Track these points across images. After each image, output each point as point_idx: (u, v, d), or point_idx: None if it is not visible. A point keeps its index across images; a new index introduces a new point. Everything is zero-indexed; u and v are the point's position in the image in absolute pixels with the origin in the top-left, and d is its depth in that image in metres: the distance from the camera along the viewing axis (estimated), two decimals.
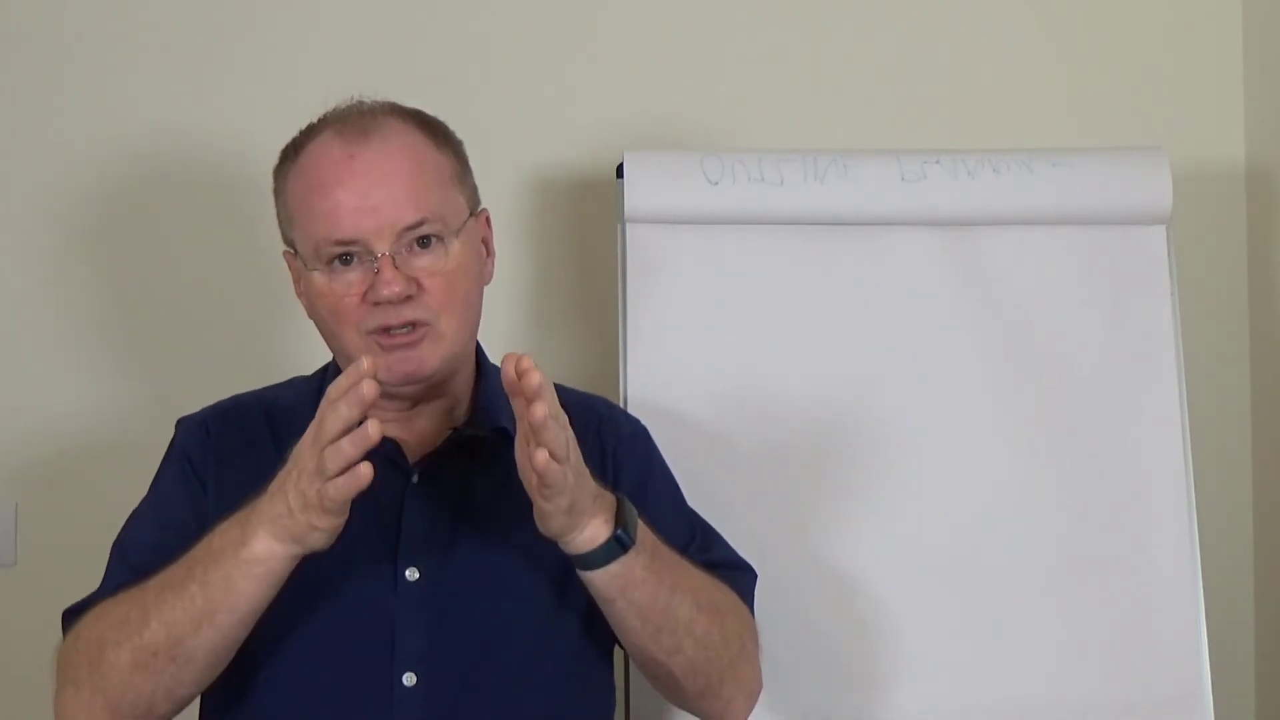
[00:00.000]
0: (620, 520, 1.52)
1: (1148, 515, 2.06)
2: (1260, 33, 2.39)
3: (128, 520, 1.68)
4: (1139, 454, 2.07)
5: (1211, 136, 2.40)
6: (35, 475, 2.27)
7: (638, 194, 2.08)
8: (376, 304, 1.58)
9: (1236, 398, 2.39)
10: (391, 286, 1.57)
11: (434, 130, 1.68)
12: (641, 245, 2.08)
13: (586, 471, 1.51)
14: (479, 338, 1.73)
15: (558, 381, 1.54)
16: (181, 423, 1.74)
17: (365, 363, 1.43)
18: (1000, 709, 2.01)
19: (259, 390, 1.78)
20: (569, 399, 1.70)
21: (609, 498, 1.54)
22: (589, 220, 2.31)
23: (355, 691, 1.57)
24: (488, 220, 1.72)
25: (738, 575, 1.72)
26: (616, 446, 1.73)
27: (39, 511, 2.26)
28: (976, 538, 2.04)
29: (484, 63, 2.34)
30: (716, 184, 2.08)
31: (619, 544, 1.52)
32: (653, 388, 2.04)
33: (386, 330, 1.59)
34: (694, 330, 2.07)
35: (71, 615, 1.62)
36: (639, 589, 1.55)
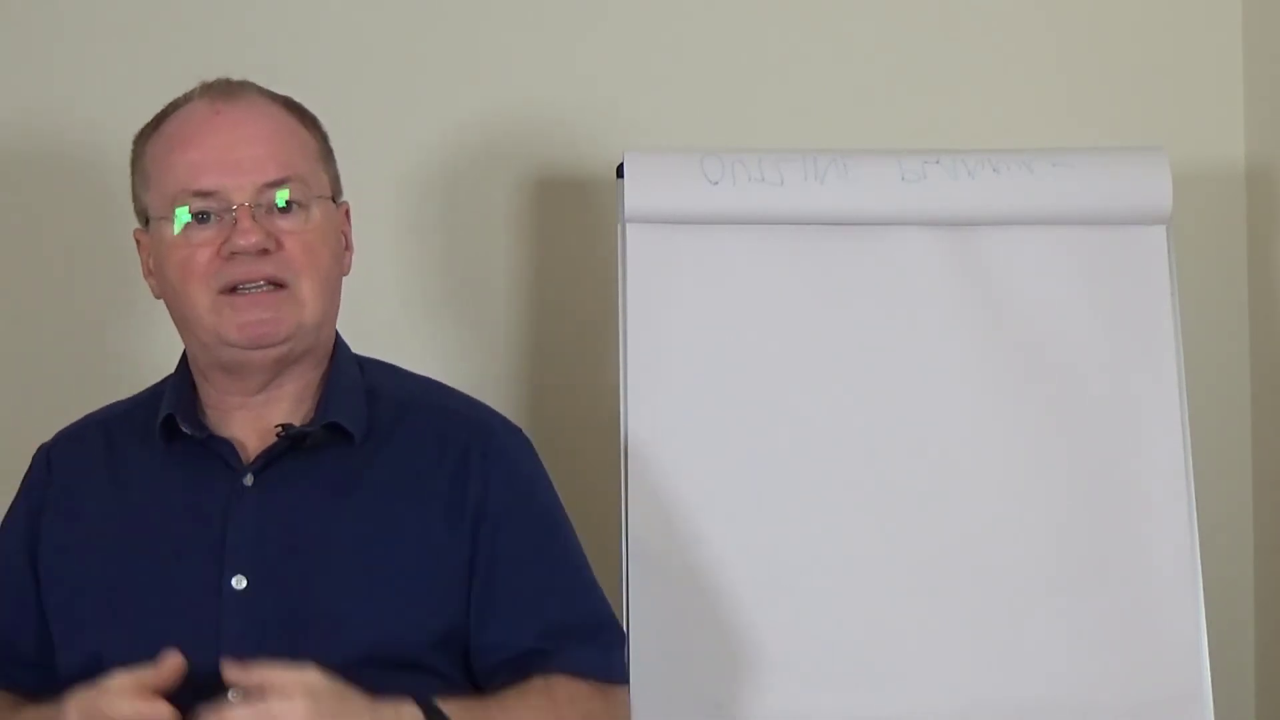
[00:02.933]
0: None
1: (1148, 515, 2.06)
2: (1260, 33, 2.39)
3: None
4: (1139, 454, 2.07)
5: (1211, 136, 2.40)
6: None
7: (638, 194, 2.07)
8: (233, 255, 1.54)
9: (1236, 398, 2.39)
10: (249, 235, 1.53)
11: (301, 111, 1.65)
12: (641, 245, 2.08)
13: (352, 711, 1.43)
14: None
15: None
16: (36, 453, 1.72)
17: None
18: (1000, 709, 2.00)
19: (111, 404, 1.75)
20: (438, 401, 1.67)
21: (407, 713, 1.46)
22: (589, 220, 2.31)
23: (177, 703, 1.47)
24: (348, 214, 1.68)
25: (596, 655, 1.63)
26: (492, 474, 1.63)
27: None
28: (976, 537, 2.04)
29: (484, 63, 2.34)
30: (716, 184, 2.08)
31: None
32: (653, 387, 2.04)
33: (239, 290, 1.55)
34: (694, 329, 2.07)
35: None
36: None
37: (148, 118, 1.66)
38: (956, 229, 2.11)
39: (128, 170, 1.65)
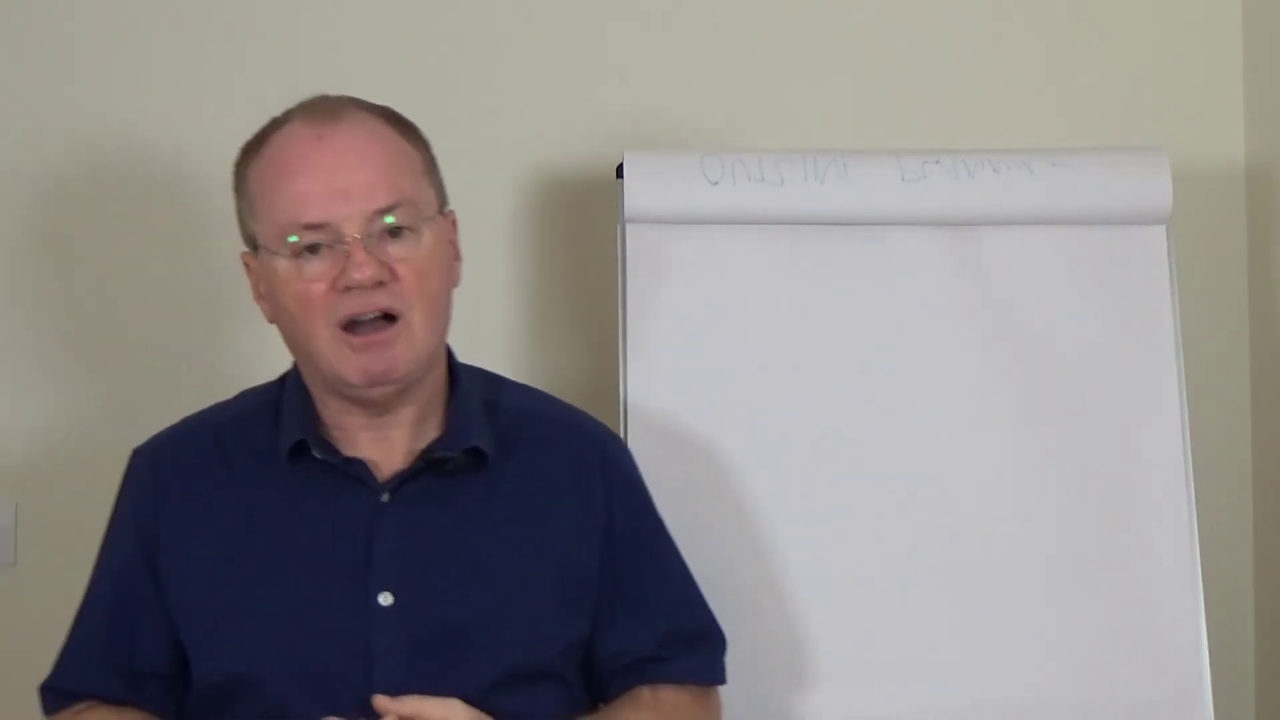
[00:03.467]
0: None
1: (1148, 515, 2.06)
2: (1260, 33, 2.39)
3: (89, 586, 1.67)
4: (1139, 454, 2.07)
5: (1211, 136, 2.40)
6: (35, 475, 2.27)
7: (638, 194, 2.08)
8: (347, 290, 1.52)
9: (1236, 398, 2.39)
10: (363, 269, 1.51)
11: (403, 124, 1.63)
12: (641, 245, 2.08)
13: None
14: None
15: (551, 388, 1.53)
16: (134, 458, 1.69)
17: None
18: (1000, 709, 2.00)
19: (205, 410, 1.72)
20: (552, 413, 1.70)
21: None
22: (589, 220, 2.31)
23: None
24: (454, 222, 1.67)
25: (704, 662, 1.71)
26: (614, 485, 1.70)
27: (39, 511, 2.26)
28: (976, 537, 2.04)
29: (484, 63, 2.34)
30: (716, 184, 2.08)
31: None
32: (653, 387, 2.04)
33: (355, 324, 1.54)
34: (694, 330, 2.07)
35: (53, 697, 1.64)
36: None
37: (226, 129, 1.64)
38: (956, 229, 2.11)
39: (212, 181, 1.63)
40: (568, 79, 2.35)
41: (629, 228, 2.09)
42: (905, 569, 2.03)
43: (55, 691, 1.64)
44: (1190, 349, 2.14)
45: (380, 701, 1.49)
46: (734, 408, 2.05)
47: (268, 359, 1.73)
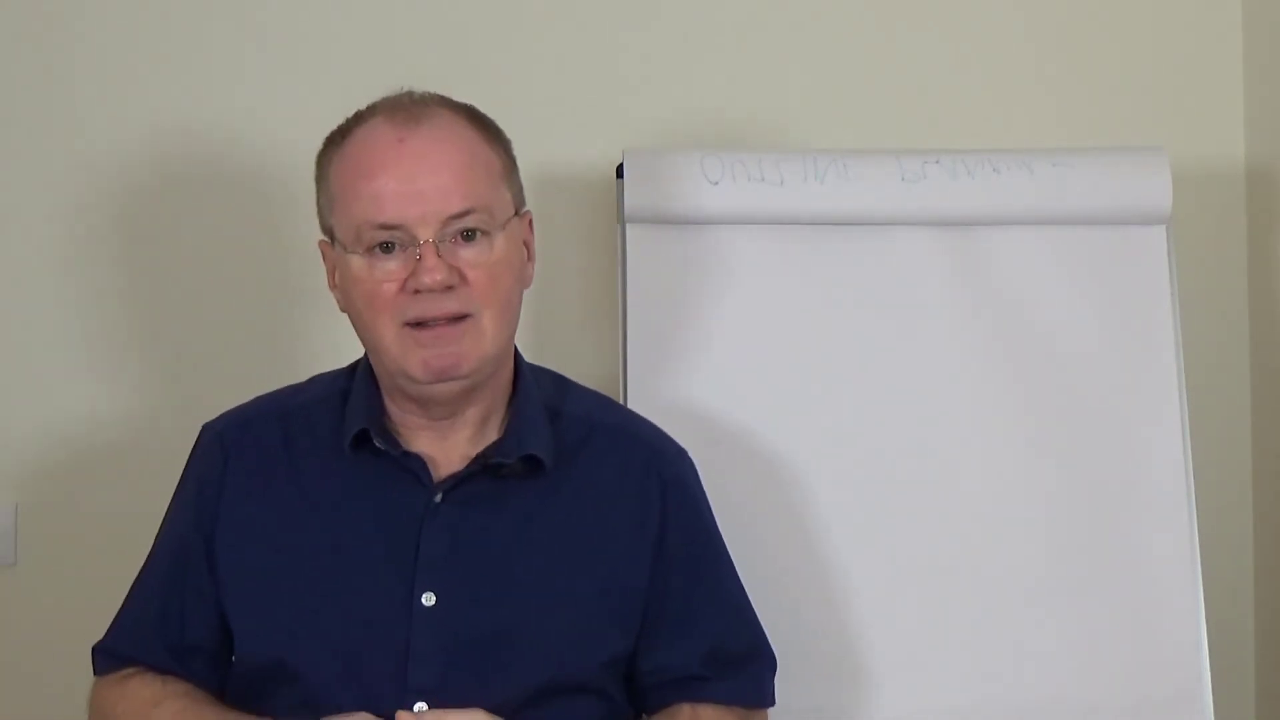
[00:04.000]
0: None
1: (1148, 515, 2.06)
2: (1260, 33, 2.39)
3: (150, 552, 1.69)
4: (1139, 454, 2.07)
5: (1211, 136, 2.40)
6: (35, 475, 2.27)
7: (638, 194, 2.08)
8: (417, 292, 1.54)
9: (1236, 398, 2.39)
10: (434, 274, 1.53)
11: (485, 125, 1.64)
12: (641, 245, 2.08)
13: None
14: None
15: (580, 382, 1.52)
16: (204, 433, 1.70)
17: None
18: (1000, 709, 2.01)
19: (279, 391, 1.74)
20: (615, 421, 1.70)
21: None
22: (589, 220, 2.31)
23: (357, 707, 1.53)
24: (530, 223, 1.68)
25: (750, 683, 1.70)
26: (669, 498, 1.68)
27: (39, 511, 2.26)
28: (976, 537, 2.04)
29: (484, 62, 2.34)
30: (716, 184, 2.08)
31: None
32: (653, 388, 2.04)
33: (424, 324, 1.55)
34: (694, 330, 2.07)
35: (103, 658, 1.65)
36: None
37: (298, 123, 1.65)
38: (956, 229, 2.11)
39: (290, 175, 1.63)
40: (568, 79, 2.35)
41: (629, 228, 2.09)
42: (904, 568, 2.03)
43: (106, 654, 1.66)
44: (1190, 349, 2.14)
45: (402, 717, 1.49)
46: (734, 408, 2.05)
47: (278, 370, 1.73)
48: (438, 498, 1.60)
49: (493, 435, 1.64)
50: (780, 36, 2.38)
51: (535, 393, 1.68)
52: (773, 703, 1.73)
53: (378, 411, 1.64)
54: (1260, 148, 2.39)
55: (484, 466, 1.61)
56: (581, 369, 2.27)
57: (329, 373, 1.73)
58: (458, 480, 1.61)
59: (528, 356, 1.73)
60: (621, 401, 2.03)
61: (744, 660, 1.70)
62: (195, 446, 1.70)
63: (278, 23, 2.30)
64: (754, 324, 2.08)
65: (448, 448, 1.63)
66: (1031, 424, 2.08)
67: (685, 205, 2.08)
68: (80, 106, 2.28)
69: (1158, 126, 2.36)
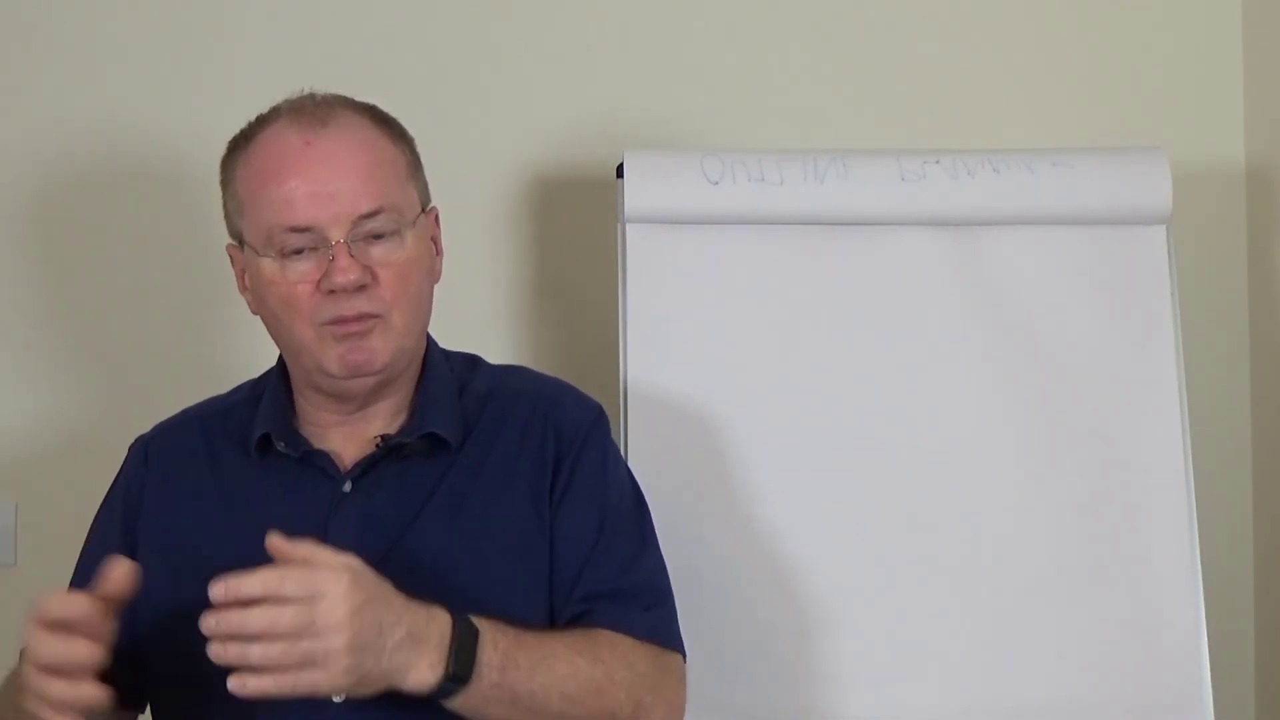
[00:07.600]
0: (454, 648, 1.44)
1: (1148, 515, 2.06)
2: (1260, 33, 2.39)
3: (79, 557, 1.68)
4: (1139, 454, 2.07)
5: (1211, 136, 2.40)
6: (35, 475, 2.27)
7: (638, 194, 2.08)
8: (331, 292, 1.55)
9: (1236, 398, 2.39)
10: (347, 274, 1.54)
11: (389, 124, 1.65)
12: (641, 245, 2.08)
13: (371, 632, 1.40)
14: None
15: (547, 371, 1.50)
16: (133, 445, 1.73)
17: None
18: (1000, 709, 2.00)
19: (208, 400, 1.76)
20: (518, 387, 1.69)
21: (436, 630, 1.44)
22: (589, 220, 2.31)
23: (286, 705, 1.45)
24: (437, 218, 1.69)
25: (631, 610, 1.62)
26: (561, 441, 1.65)
27: (39, 512, 2.26)
28: (976, 537, 2.04)
29: (483, 62, 2.34)
30: (716, 184, 2.08)
31: (453, 682, 1.44)
32: (653, 388, 2.04)
33: (340, 321, 1.56)
34: (694, 330, 2.07)
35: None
36: (493, 706, 1.48)
37: (223, 123, 1.65)
38: (956, 229, 2.11)
39: (210, 176, 1.65)
40: (568, 79, 2.35)
41: (629, 227, 2.09)
42: (903, 568, 2.03)
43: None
44: (1190, 349, 2.14)
45: (274, 543, 1.42)
46: (734, 408, 2.05)
47: (271, 351, 1.73)
48: (346, 487, 1.61)
49: (401, 422, 1.65)
50: (780, 37, 2.39)
51: (446, 373, 1.69)
52: (672, 643, 1.64)
53: (286, 410, 1.66)
54: (1260, 148, 2.39)
55: (389, 450, 1.62)
56: (582, 369, 2.28)
57: (251, 380, 1.75)
58: (364, 467, 1.62)
59: (528, 356, 1.74)
60: (621, 401, 2.03)
61: (628, 596, 1.63)
62: (125, 458, 1.72)
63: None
64: (754, 324, 2.08)
65: (360, 440, 1.64)
66: (1031, 423, 2.08)
67: (685, 205, 2.08)
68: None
69: (1158, 126, 2.36)
